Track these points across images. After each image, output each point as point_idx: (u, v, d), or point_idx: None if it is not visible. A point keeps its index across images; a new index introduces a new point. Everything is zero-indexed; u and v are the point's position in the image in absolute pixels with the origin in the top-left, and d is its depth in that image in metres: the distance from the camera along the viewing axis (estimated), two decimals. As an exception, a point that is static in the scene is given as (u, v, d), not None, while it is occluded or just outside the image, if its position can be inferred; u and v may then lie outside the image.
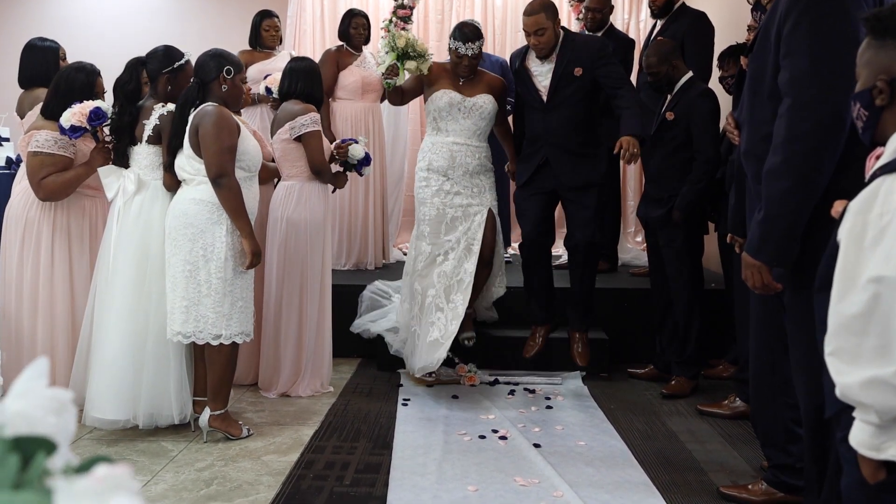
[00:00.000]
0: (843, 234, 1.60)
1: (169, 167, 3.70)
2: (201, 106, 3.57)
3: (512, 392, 4.38)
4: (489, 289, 4.78)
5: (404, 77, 4.48)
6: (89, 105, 3.76)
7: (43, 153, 3.80)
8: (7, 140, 6.29)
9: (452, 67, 4.58)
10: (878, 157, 1.68)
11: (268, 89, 5.27)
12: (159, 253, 3.66)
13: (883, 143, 1.68)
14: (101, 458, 0.59)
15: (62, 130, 3.75)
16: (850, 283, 1.56)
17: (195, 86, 3.63)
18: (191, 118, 3.58)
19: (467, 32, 4.46)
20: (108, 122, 3.80)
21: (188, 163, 3.59)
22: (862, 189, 1.60)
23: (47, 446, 0.60)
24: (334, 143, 4.58)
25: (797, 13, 2.41)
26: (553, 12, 4.44)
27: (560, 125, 4.47)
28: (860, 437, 1.57)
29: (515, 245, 6.82)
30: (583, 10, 6.06)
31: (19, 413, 0.63)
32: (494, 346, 4.84)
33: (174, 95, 3.77)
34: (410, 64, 4.41)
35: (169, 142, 3.67)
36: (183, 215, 3.56)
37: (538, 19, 4.38)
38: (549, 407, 4.17)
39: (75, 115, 3.72)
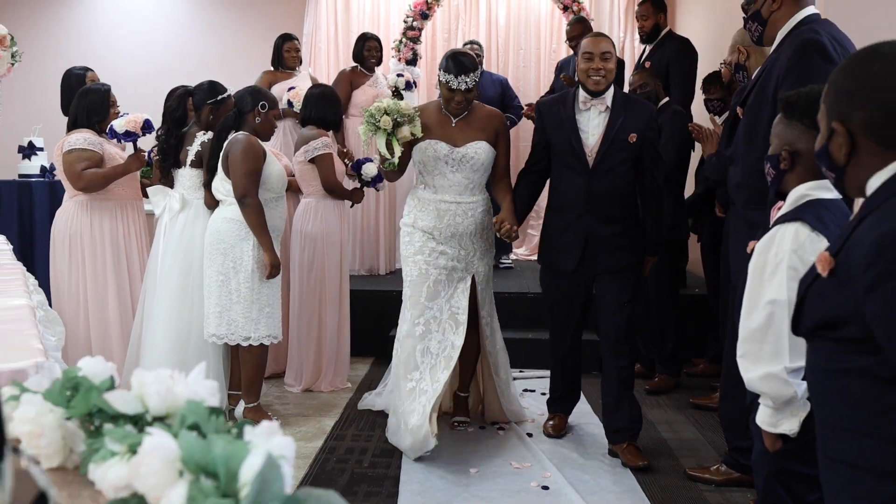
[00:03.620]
0: (751, 267, 2.12)
1: (208, 187, 4.20)
2: (234, 134, 4.06)
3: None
4: (500, 379, 4.26)
5: (400, 150, 3.85)
6: (142, 116, 4.29)
7: (77, 149, 4.35)
8: (41, 150, 6.79)
9: (443, 104, 3.97)
10: (779, 209, 2.19)
11: (290, 103, 5.79)
12: (200, 265, 4.18)
13: (784, 198, 2.18)
14: (247, 421, 1.07)
15: (113, 134, 4.31)
16: (753, 304, 2.09)
17: (233, 115, 4.13)
18: (225, 144, 4.07)
19: (461, 63, 3.84)
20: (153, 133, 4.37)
21: (221, 184, 4.10)
22: (766, 233, 2.11)
23: (218, 412, 1.08)
24: (347, 160, 5.05)
25: (793, 78, 2.88)
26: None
27: (604, 194, 3.82)
28: (762, 416, 2.10)
29: (516, 251, 7.33)
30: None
31: (198, 395, 1.12)
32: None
33: (215, 124, 4.27)
34: (403, 131, 3.79)
35: (208, 164, 4.18)
36: (216, 232, 4.06)
37: (607, 42, 3.87)
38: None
39: (129, 122, 4.27)
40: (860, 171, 1.57)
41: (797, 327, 1.69)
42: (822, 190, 2.10)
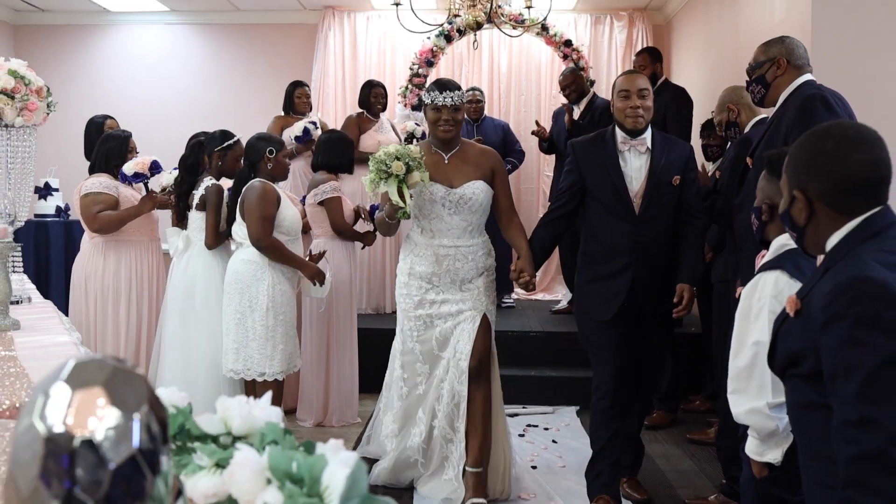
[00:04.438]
0: (738, 311, 2.35)
1: (213, 230, 4.41)
2: (251, 181, 4.29)
3: (522, 435, 4.87)
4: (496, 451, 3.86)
5: (412, 198, 3.65)
6: (150, 158, 4.54)
7: (92, 193, 4.60)
8: (57, 190, 7.02)
9: (431, 130, 3.86)
10: (762, 257, 2.42)
11: (297, 138, 6.17)
12: (202, 303, 4.39)
13: (767, 246, 2.41)
14: (310, 443, 1.28)
15: (123, 177, 4.56)
16: (741, 345, 2.32)
17: (246, 166, 4.35)
18: (243, 191, 4.30)
19: (442, 82, 3.80)
20: (160, 174, 4.61)
21: (240, 229, 4.32)
22: (750, 279, 2.35)
23: (288, 433, 1.29)
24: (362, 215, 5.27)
25: (801, 128, 3.11)
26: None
27: (651, 242, 3.62)
28: (749, 446, 2.32)
29: (519, 291, 7.54)
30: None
31: (272, 418, 1.33)
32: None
33: (225, 169, 4.51)
34: (414, 177, 3.55)
35: (228, 211, 4.41)
36: (234, 272, 4.28)
37: (643, 79, 3.77)
38: (554, 441, 4.78)
39: (138, 164, 4.54)
40: (818, 232, 1.82)
41: (772, 364, 1.91)
42: None
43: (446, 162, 3.78)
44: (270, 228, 4.24)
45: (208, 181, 4.48)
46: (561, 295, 7.19)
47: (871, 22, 4.65)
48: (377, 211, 5.13)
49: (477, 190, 3.75)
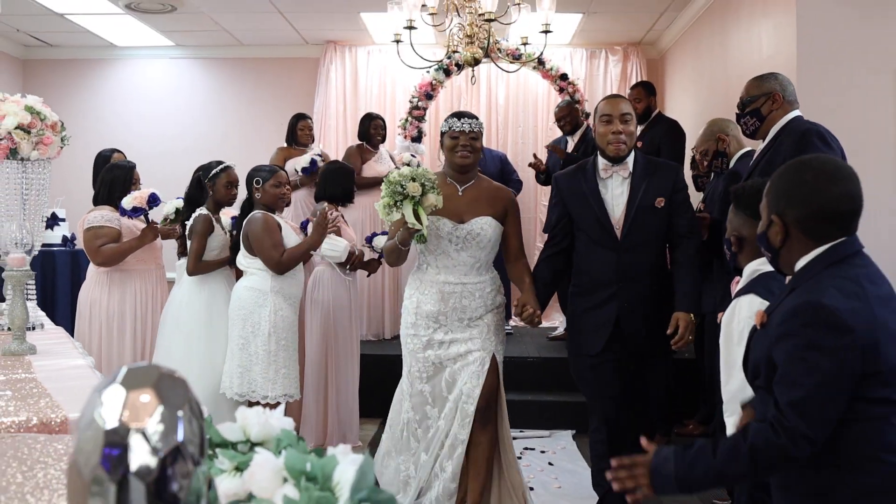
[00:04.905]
0: (721, 338, 2.50)
1: (195, 257, 4.55)
2: (250, 214, 4.44)
3: (519, 457, 4.98)
4: (511, 472, 3.77)
5: (427, 219, 3.48)
6: (147, 192, 4.69)
7: (95, 227, 4.74)
8: (63, 220, 7.18)
9: (448, 157, 3.75)
10: (737, 283, 2.58)
11: (304, 170, 6.38)
12: (191, 327, 4.53)
13: (740, 273, 2.57)
14: (319, 449, 1.42)
15: (123, 211, 4.70)
16: (729, 370, 2.46)
17: (246, 199, 4.53)
18: (244, 224, 4.45)
19: (460, 112, 3.75)
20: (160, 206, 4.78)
21: (243, 258, 4.47)
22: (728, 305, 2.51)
23: (301, 439, 1.43)
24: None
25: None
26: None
27: (637, 268, 3.53)
28: None
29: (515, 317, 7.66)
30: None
31: (286, 426, 1.47)
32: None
33: (217, 198, 4.67)
34: (430, 199, 3.42)
35: (232, 240, 4.57)
36: (238, 299, 4.42)
37: (626, 103, 3.68)
38: (550, 463, 4.91)
39: (136, 198, 4.67)
40: (791, 254, 2.00)
41: (746, 373, 2.09)
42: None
43: (460, 194, 3.69)
44: (283, 249, 4.39)
45: (198, 211, 4.64)
46: (558, 322, 7.31)
47: (853, 59, 4.85)
48: (375, 237, 5.32)
49: (486, 226, 3.64)
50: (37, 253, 3.52)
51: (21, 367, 2.83)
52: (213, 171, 4.71)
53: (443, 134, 3.73)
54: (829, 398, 1.80)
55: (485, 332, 3.63)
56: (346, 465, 1.24)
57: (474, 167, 3.75)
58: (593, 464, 3.77)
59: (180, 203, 4.81)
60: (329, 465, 1.25)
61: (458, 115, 3.69)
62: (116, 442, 0.89)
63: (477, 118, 3.70)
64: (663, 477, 1.90)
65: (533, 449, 5.16)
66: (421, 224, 3.42)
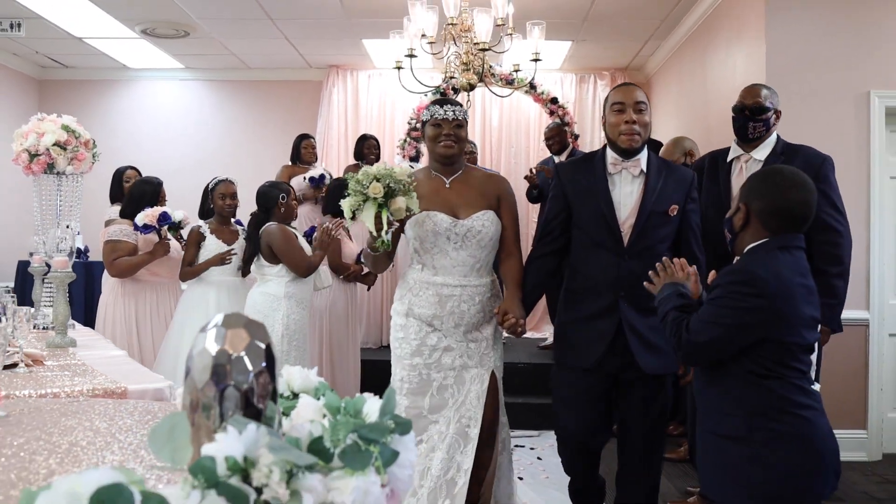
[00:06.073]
0: None
1: (184, 264, 5.08)
2: (266, 225, 4.83)
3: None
4: (499, 481, 3.49)
5: (394, 225, 3.16)
6: (159, 210, 5.10)
7: (113, 240, 5.15)
8: (78, 233, 7.54)
9: (431, 149, 3.38)
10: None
11: (312, 179, 6.81)
12: (184, 329, 4.95)
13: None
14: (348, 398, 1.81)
15: (135, 227, 5.10)
16: None
17: (261, 211, 4.93)
18: (262, 235, 4.83)
19: (443, 98, 3.39)
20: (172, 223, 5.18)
21: (258, 267, 4.85)
22: None
23: (333, 390, 1.82)
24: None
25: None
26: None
27: (641, 278, 2.95)
28: None
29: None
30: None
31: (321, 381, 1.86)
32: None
33: (216, 210, 5.15)
34: (398, 202, 3.05)
35: (245, 251, 5.00)
36: (253, 304, 4.81)
37: (640, 91, 3.22)
38: (539, 458, 5.29)
39: (147, 216, 5.08)
40: (745, 239, 2.47)
41: None
42: None
43: (447, 186, 3.34)
44: (306, 255, 4.83)
45: (192, 225, 5.13)
46: (548, 333, 7.65)
47: (817, 85, 5.30)
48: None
49: (487, 222, 3.31)
50: (74, 258, 3.87)
51: (68, 356, 3.21)
52: (211, 185, 5.17)
53: (424, 123, 3.38)
54: (723, 338, 2.33)
55: (483, 346, 3.32)
56: (372, 403, 1.62)
57: (460, 157, 3.41)
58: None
59: (181, 215, 5.22)
60: (360, 402, 1.63)
61: (441, 101, 3.34)
62: (221, 363, 1.28)
63: (461, 105, 3.36)
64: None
65: (522, 446, 5.53)
66: (379, 230, 3.09)
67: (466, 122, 3.37)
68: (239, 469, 1.20)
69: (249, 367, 1.30)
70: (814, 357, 2.66)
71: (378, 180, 3.03)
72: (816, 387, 2.46)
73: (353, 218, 3.14)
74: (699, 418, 2.52)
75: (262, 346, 1.34)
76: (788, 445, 2.25)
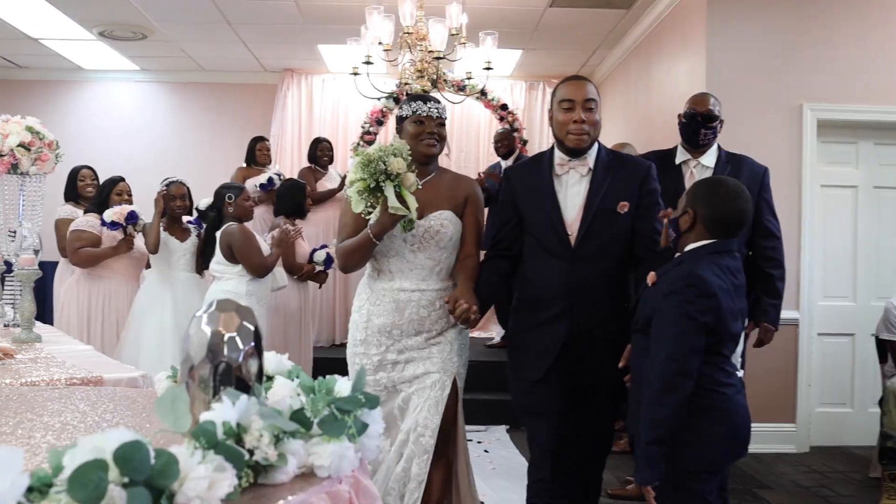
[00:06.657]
0: None
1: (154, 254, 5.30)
2: (226, 225, 4.96)
3: None
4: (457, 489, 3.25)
5: (414, 200, 2.92)
6: (128, 208, 5.23)
7: (79, 230, 5.32)
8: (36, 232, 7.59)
9: (412, 146, 3.03)
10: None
11: (262, 185, 6.92)
12: (164, 320, 5.15)
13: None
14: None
15: (103, 223, 5.27)
16: None
17: (215, 211, 5.09)
18: (218, 234, 4.97)
19: (424, 95, 3.24)
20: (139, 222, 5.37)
21: (217, 265, 4.99)
22: None
23: (304, 373, 2.00)
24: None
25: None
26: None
27: (591, 283, 2.98)
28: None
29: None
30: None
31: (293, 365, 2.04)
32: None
33: (172, 209, 5.35)
34: (410, 179, 2.88)
35: (202, 249, 5.15)
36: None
37: (591, 87, 3.06)
38: (486, 451, 5.50)
39: (116, 213, 5.21)
40: (689, 238, 2.75)
41: (635, 322, 2.77)
42: None
43: (419, 187, 2.98)
44: (264, 257, 4.98)
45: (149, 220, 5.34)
46: (495, 333, 7.86)
47: (754, 97, 5.60)
48: (316, 252, 5.80)
49: (445, 221, 3.13)
50: (40, 254, 3.97)
51: (35, 351, 3.31)
52: (163, 185, 5.36)
53: (403, 119, 3.17)
54: (688, 340, 2.54)
55: (446, 351, 3.11)
56: (343, 382, 1.80)
57: (436, 161, 3.27)
58: None
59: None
60: (331, 382, 1.82)
61: (423, 98, 3.17)
62: (216, 341, 1.46)
63: (441, 102, 3.20)
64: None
65: (470, 440, 5.73)
66: (408, 207, 2.90)
67: (446, 120, 3.22)
68: (233, 434, 1.39)
69: (240, 345, 1.49)
70: (740, 348, 2.94)
71: (396, 155, 2.85)
72: (740, 374, 2.76)
73: (369, 207, 2.94)
74: (632, 392, 2.79)
75: (251, 328, 1.53)
76: (710, 416, 2.56)
